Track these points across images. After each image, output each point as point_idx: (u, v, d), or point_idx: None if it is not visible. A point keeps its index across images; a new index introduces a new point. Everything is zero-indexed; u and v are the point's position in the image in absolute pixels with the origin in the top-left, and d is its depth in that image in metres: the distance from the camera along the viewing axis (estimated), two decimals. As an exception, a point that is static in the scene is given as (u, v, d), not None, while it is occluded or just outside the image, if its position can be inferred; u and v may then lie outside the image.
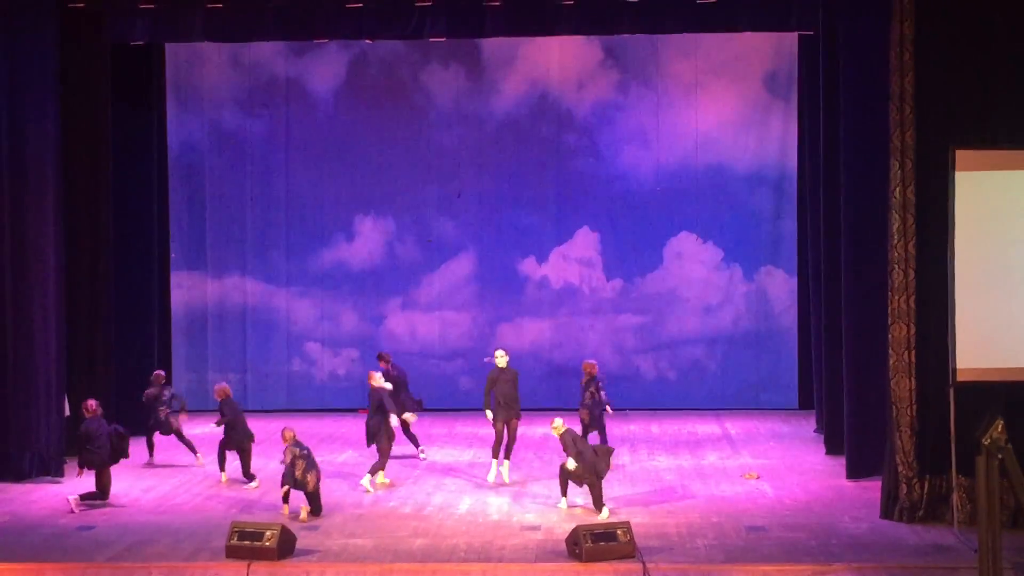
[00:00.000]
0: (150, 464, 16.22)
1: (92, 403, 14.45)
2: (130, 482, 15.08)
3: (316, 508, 13.48)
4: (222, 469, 15.35)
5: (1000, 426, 7.61)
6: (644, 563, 11.37)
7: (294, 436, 13.55)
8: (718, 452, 16.94)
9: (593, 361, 16.68)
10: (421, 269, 20.83)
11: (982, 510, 7.75)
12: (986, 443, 7.63)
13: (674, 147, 20.47)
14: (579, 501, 13.80)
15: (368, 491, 14.54)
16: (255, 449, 15.29)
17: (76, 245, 16.77)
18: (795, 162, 20.10)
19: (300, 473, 13.33)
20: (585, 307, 20.78)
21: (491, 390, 14.99)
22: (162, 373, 16.85)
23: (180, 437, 16.28)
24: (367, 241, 20.84)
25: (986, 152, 12.53)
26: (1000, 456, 7.57)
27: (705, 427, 18.88)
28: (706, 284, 20.62)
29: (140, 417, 16.51)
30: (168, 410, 16.25)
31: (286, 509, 13.43)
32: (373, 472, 14.78)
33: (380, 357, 16.94)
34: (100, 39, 17.11)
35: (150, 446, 16.42)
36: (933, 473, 12.90)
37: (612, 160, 20.57)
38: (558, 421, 13.67)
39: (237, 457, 15.16)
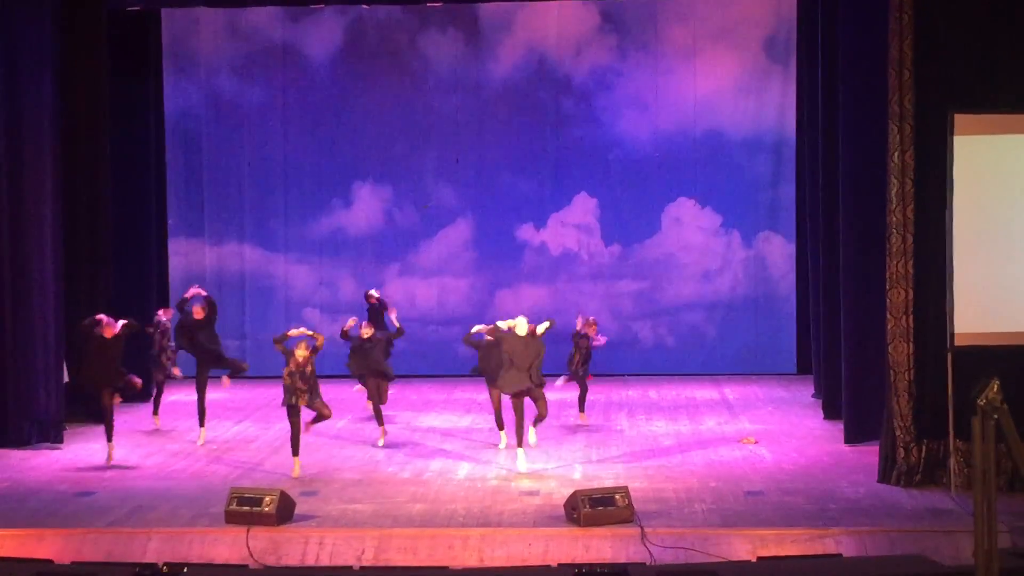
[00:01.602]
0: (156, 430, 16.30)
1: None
2: (129, 448, 15.11)
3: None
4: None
5: (996, 387, 7.57)
6: (642, 527, 11.38)
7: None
8: (716, 417, 16.96)
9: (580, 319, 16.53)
10: (419, 235, 20.81)
11: (977, 471, 7.73)
12: (981, 404, 7.60)
13: (672, 112, 20.41)
14: (577, 472, 13.83)
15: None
16: (256, 414, 15.29)
17: (74, 212, 16.73)
18: (794, 127, 20.05)
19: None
20: (583, 273, 20.77)
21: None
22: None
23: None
24: (365, 207, 20.81)
25: (985, 116, 12.45)
26: (996, 417, 7.54)
27: (703, 392, 18.90)
28: (704, 250, 20.59)
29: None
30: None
31: (296, 466, 13.60)
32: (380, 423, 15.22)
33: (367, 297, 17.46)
34: (96, 5, 17.03)
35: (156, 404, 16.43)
36: (930, 437, 12.90)
37: (610, 126, 20.51)
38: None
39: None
